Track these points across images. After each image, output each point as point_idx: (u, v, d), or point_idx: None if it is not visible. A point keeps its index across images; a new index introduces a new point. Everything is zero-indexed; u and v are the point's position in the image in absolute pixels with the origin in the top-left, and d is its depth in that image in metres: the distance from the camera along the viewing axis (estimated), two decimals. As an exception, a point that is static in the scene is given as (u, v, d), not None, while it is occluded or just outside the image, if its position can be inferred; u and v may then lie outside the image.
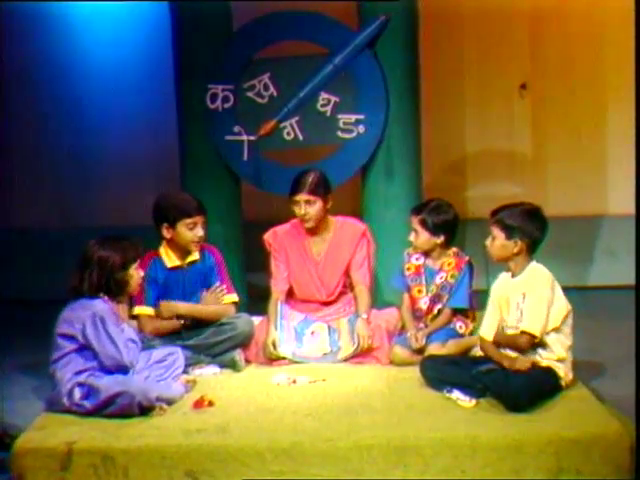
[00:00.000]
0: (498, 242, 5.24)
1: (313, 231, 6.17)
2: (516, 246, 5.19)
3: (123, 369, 5.10)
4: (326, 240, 6.20)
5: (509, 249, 5.21)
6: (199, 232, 5.84)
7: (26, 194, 8.57)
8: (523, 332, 5.11)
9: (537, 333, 5.09)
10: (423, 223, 5.91)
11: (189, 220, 5.80)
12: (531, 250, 5.24)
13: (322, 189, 6.06)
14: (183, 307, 5.92)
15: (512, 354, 5.17)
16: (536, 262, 5.26)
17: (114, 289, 5.15)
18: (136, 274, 5.25)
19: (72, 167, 8.58)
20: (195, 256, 5.95)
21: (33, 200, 8.59)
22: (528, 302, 5.13)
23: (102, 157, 8.54)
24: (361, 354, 5.90)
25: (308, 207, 6.04)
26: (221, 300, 6.00)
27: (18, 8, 8.07)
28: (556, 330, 5.14)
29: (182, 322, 5.89)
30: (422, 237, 5.93)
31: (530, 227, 5.20)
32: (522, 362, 5.09)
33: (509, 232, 5.20)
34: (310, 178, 6.05)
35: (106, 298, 5.12)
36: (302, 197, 6.03)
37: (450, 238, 5.97)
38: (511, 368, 5.08)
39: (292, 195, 6.07)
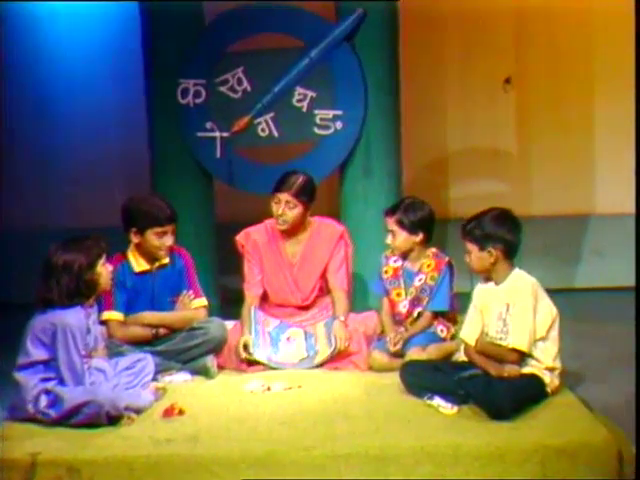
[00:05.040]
0: (474, 255, 5.20)
1: (288, 232, 6.07)
2: (491, 256, 5.14)
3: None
4: (302, 241, 6.11)
5: (486, 260, 5.16)
6: (168, 241, 5.75)
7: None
8: (512, 349, 5.05)
9: (525, 349, 5.05)
10: (400, 223, 5.86)
11: (159, 229, 5.71)
12: (509, 255, 5.17)
13: (306, 196, 5.96)
14: (150, 317, 5.83)
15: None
16: (519, 269, 5.19)
17: (85, 291, 5.06)
18: (104, 270, 5.16)
19: (39, 167, 8.52)
20: (164, 260, 5.86)
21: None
22: (513, 316, 5.07)
23: (69, 156, 8.47)
24: (338, 359, 5.81)
25: (287, 209, 5.94)
26: (190, 306, 5.91)
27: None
28: (542, 339, 5.09)
29: (153, 332, 5.81)
30: (400, 237, 5.87)
31: (500, 232, 5.14)
32: (510, 370, 5.05)
33: (481, 243, 5.15)
34: (298, 180, 5.95)
35: (79, 307, 5.03)
36: (284, 197, 5.92)
37: (428, 236, 5.93)
38: (499, 376, 5.03)
39: (274, 192, 5.96)
